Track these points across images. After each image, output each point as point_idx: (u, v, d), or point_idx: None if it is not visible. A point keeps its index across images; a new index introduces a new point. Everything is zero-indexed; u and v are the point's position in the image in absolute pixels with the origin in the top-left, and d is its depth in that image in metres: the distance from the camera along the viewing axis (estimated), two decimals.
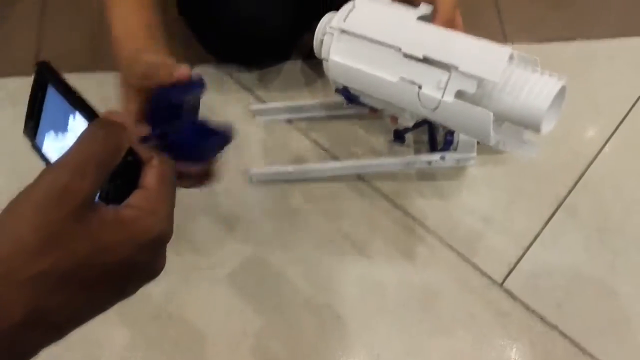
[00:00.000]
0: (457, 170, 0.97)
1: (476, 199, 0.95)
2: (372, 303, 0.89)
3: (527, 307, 0.87)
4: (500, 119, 0.61)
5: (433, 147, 0.96)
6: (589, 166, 0.97)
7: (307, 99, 1.01)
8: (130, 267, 0.35)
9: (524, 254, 0.91)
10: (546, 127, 0.59)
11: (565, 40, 1.08)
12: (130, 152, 0.37)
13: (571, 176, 0.96)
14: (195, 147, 0.55)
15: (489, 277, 0.89)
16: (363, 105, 0.72)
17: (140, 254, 0.35)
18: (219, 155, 0.57)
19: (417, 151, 0.98)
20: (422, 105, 0.62)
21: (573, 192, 0.95)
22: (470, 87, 0.58)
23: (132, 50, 0.65)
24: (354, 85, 0.68)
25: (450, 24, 0.65)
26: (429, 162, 0.91)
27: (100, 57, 1.09)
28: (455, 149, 0.90)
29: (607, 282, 0.89)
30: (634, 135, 0.99)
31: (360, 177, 0.97)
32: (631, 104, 1.02)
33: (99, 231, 0.33)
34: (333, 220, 0.94)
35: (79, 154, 0.34)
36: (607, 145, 0.98)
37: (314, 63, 1.05)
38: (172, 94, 0.55)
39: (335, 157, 0.99)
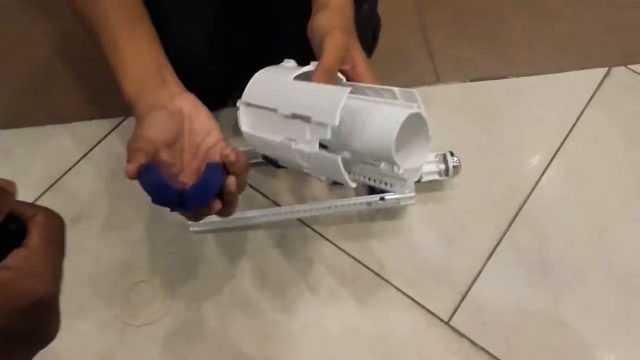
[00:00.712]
0: (398, 210, 0.96)
1: (418, 238, 0.95)
2: (319, 351, 0.86)
3: (474, 344, 0.86)
4: (365, 158, 0.61)
5: (372, 189, 0.95)
6: (526, 200, 0.98)
7: (244, 146, 1.00)
8: (9, 335, 0.32)
9: (468, 290, 0.90)
10: (411, 159, 0.59)
11: (496, 79, 1.11)
12: (12, 214, 0.36)
13: (510, 210, 0.97)
14: (204, 194, 0.60)
15: (435, 316, 0.88)
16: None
17: (20, 320, 0.33)
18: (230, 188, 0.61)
19: (357, 193, 0.98)
20: (301, 160, 0.63)
21: (513, 226, 0.95)
22: (324, 134, 0.58)
23: (142, 107, 0.66)
24: (264, 152, 0.70)
25: (330, 74, 0.66)
26: (369, 204, 0.91)
27: (28, 112, 1.07)
28: (394, 190, 0.89)
29: (553, 314, 0.89)
30: (568, 167, 1.01)
31: (302, 222, 0.96)
32: (563, 137, 1.04)
33: None
34: (276, 267, 0.92)
35: None
36: (542, 178, 1.00)
37: None
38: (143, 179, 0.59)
39: (275, 203, 0.98)
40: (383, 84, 1.13)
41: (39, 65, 1.13)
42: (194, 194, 0.60)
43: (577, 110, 1.07)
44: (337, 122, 0.56)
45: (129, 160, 0.60)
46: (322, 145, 0.61)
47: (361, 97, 0.63)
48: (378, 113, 0.57)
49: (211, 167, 0.61)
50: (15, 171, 1.00)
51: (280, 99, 0.64)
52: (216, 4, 0.89)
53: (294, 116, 0.61)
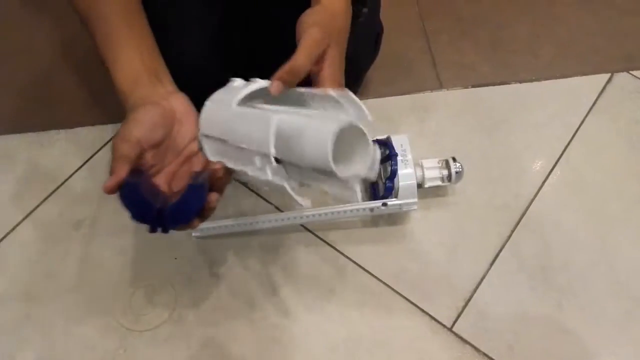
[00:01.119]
0: (401, 216, 0.96)
1: (421, 244, 0.95)
2: (322, 356, 0.86)
3: (477, 350, 0.86)
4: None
5: (374, 194, 0.95)
6: (529, 206, 0.98)
7: None
8: None
9: (471, 296, 0.90)
10: (351, 168, 0.57)
11: (498, 85, 1.11)
12: None
13: (513, 217, 0.97)
14: (185, 215, 0.61)
15: (438, 322, 0.88)
16: None
17: None
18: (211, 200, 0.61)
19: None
20: (262, 185, 0.62)
21: (515, 232, 0.95)
22: (270, 161, 0.58)
23: (136, 100, 0.65)
24: (235, 178, 0.69)
25: (295, 75, 0.63)
26: (371, 210, 0.90)
27: (31, 117, 1.07)
28: (396, 196, 0.89)
29: (556, 321, 0.88)
30: (571, 174, 1.01)
31: (305, 228, 0.96)
32: (565, 143, 1.04)
33: None
34: (278, 273, 0.92)
35: None
36: (545, 184, 1.00)
37: None
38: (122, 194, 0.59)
39: (278, 209, 0.98)
40: (386, 90, 1.13)
41: (42, 70, 1.13)
42: (174, 214, 0.60)
43: (580, 116, 1.07)
44: (272, 151, 0.56)
45: (111, 171, 0.59)
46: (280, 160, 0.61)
47: (295, 112, 0.61)
48: (307, 133, 0.55)
49: (193, 188, 0.61)
50: (18, 176, 1.00)
51: (226, 130, 0.63)
52: (215, 7, 0.89)
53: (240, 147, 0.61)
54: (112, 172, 0.59)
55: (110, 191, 0.58)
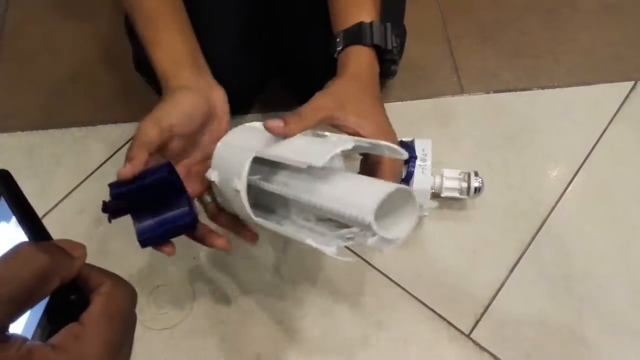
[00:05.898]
0: (420, 221, 0.96)
1: (440, 250, 0.94)
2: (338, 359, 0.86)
3: (495, 358, 0.85)
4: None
5: None
6: (550, 213, 0.97)
7: None
8: None
9: (490, 303, 0.89)
10: (394, 231, 0.52)
11: (520, 91, 1.11)
12: (75, 284, 0.32)
13: (533, 224, 0.96)
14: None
15: (456, 328, 0.87)
16: None
17: None
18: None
19: None
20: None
21: (536, 240, 0.95)
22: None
23: (179, 83, 0.62)
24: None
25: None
26: None
27: (54, 114, 1.08)
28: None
29: (576, 330, 0.88)
30: (592, 182, 1.00)
31: None
32: (588, 151, 1.03)
33: None
34: (296, 275, 0.92)
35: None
36: (566, 192, 0.99)
37: (273, 117, 1.05)
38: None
39: None
40: (408, 94, 1.13)
41: (66, 68, 1.14)
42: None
43: (603, 124, 1.06)
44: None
45: (130, 156, 0.56)
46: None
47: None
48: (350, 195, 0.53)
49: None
50: (41, 172, 1.01)
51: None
52: (242, 10, 0.89)
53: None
54: (130, 158, 0.56)
55: (124, 177, 0.56)
